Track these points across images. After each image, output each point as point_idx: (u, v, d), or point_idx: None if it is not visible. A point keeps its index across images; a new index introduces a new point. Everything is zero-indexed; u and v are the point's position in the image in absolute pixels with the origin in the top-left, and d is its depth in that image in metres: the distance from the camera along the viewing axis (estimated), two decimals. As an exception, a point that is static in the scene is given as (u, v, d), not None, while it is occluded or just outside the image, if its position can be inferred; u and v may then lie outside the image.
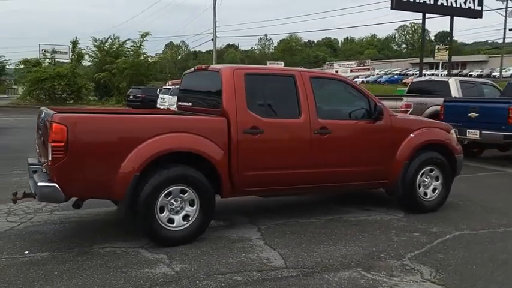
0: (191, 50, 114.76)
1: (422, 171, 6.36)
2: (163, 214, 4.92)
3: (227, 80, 5.35)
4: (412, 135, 6.30)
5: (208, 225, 5.19)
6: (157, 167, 4.90)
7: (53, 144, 4.50)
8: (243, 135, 5.26)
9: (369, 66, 67.38)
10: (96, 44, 43.00)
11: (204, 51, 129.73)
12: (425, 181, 6.43)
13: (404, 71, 79.09)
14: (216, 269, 4.39)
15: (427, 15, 22.49)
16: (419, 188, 6.38)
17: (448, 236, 5.44)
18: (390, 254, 4.85)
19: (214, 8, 40.92)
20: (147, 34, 39.79)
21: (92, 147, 4.63)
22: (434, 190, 6.51)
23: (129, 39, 42.21)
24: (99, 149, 4.67)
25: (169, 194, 4.93)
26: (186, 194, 5.01)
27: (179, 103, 6.56)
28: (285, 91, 5.67)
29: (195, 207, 5.05)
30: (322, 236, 5.37)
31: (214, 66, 5.84)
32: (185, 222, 5.02)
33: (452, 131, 6.88)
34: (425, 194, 6.44)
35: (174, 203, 4.97)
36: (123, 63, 39.20)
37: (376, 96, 6.33)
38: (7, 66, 41.47)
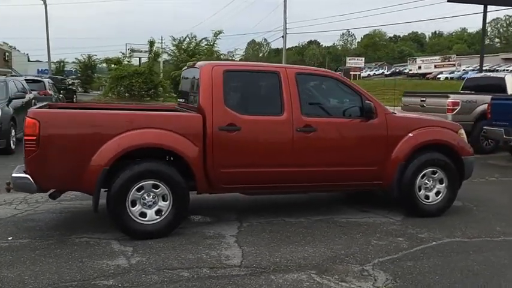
0: (272, 48, 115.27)
1: (422, 173, 5.99)
2: (135, 208, 5.04)
3: (205, 77, 5.38)
4: (410, 134, 5.95)
5: (181, 220, 5.25)
6: (131, 162, 5.04)
7: (25, 137, 4.78)
8: (218, 132, 5.25)
9: (454, 62, 64.17)
10: (174, 43, 44.56)
11: (286, 48, 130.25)
12: (427, 183, 6.05)
13: (495, 67, 74.17)
14: (169, 264, 4.44)
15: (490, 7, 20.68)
16: (420, 190, 6.02)
17: (433, 243, 5.10)
18: (356, 258, 4.64)
19: (285, 5, 40.75)
20: (220, 32, 40.54)
21: (62, 141, 4.86)
22: (437, 193, 6.11)
23: (205, 38, 43.30)
24: (70, 143, 4.88)
25: (141, 188, 5.04)
26: (159, 189, 5.10)
27: (178, 100, 6.68)
28: (267, 88, 5.60)
29: (167, 202, 5.13)
30: (298, 236, 5.25)
31: (200, 63, 5.87)
32: (157, 217, 5.12)
33: (462, 131, 6.41)
34: (427, 197, 6.07)
35: (147, 197, 5.08)
36: (197, 61, 40.29)
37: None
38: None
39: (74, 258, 4.53)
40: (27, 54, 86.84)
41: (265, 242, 5.05)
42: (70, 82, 35.84)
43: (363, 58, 79.88)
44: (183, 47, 44.64)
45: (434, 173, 6.06)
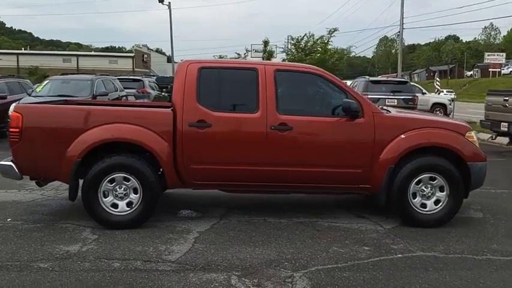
0: (407, 44, 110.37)
1: (417, 179, 5.45)
2: (107, 199, 5.32)
3: (179, 74, 5.49)
4: (402, 136, 5.45)
5: (151, 212, 5.41)
6: (105, 155, 5.33)
7: (10, 129, 5.31)
8: (188, 128, 5.32)
9: None
10: (292, 42, 45.05)
11: (422, 43, 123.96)
12: (424, 190, 5.49)
13: None
14: (112, 254, 4.61)
15: None
16: (415, 197, 5.49)
17: (397, 255, 4.65)
18: (297, 264, 4.41)
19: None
20: (334, 30, 40.10)
21: (41, 134, 5.30)
22: (437, 202, 5.51)
23: (323, 36, 43.12)
24: (48, 136, 5.30)
25: (112, 180, 5.31)
26: (130, 182, 5.32)
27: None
28: (244, 85, 5.52)
29: (138, 195, 5.34)
30: (261, 237, 5.12)
31: (185, 60, 5.96)
32: (128, 209, 5.34)
33: (472, 133, 5.68)
34: (424, 205, 5.51)
35: (118, 189, 5.33)
36: (311, 59, 40.29)
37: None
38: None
39: (40, 241, 4.93)
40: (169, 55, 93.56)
41: (222, 241, 5.01)
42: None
43: (504, 54, 72.93)
44: (300, 45, 45.01)
45: (433, 179, 5.48)
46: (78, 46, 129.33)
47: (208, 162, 5.39)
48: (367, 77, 18.05)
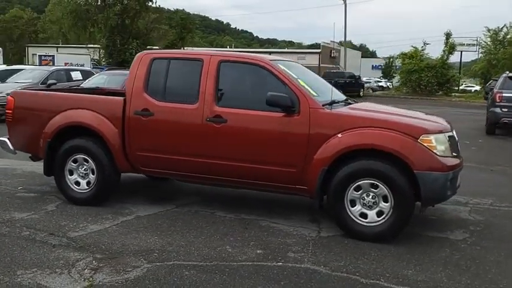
0: None
1: (356, 184, 4.77)
2: (72, 177, 5.89)
3: (134, 64, 5.73)
4: (339, 135, 4.81)
5: (107, 192, 5.82)
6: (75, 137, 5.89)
7: (6, 111, 6.22)
8: (134, 116, 5.55)
9: None
10: (488, 34, 40.86)
11: None
12: (365, 199, 4.78)
13: None
14: (36, 224, 5.06)
15: None
16: (354, 205, 4.82)
17: (273, 263, 4.19)
18: (160, 256, 4.30)
19: None
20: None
21: (27, 115, 6.09)
22: (379, 213, 4.75)
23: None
24: (31, 117, 6.05)
25: (75, 160, 5.85)
26: (89, 163, 5.80)
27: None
28: (189, 76, 5.49)
29: (94, 175, 5.79)
30: (181, 228, 5.06)
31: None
32: (87, 187, 5.83)
33: (431, 137, 4.68)
34: (364, 215, 4.80)
35: (80, 169, 5.85)
36: (503, 53, 35.99)
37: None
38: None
39: (12, 208, 5.68)
40: (375, 50, 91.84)
41: (142, 227, 5.06)
42: (356, 76, 37.23)
43: None
44: (498, 38, 40.54)
45: (374, 186, 4.74)
46: (291, 44, 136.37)
47: (151, 150, 5.54)
48: (507, 72, 15.50)
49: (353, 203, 4.82)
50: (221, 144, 5.25)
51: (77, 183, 5.87)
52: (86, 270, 4.00)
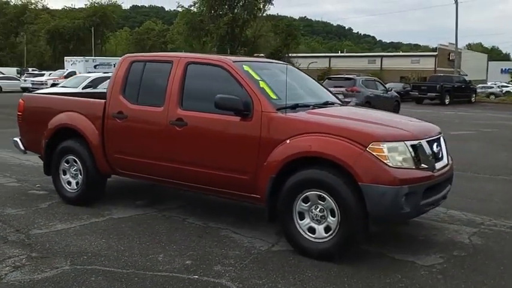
0: None
1: (304, 195, 4.34)
2: (65, 176, 6.13)
3: (117, 67, 5.81)
4: (287, 141, 4.41)
5: (93, 193, 5.98)
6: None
7: (17, 113, 6.67)
8: (111, 118, 5.63)
9: None
10: None
11: None
12: (313, 212, 4.33)
13: None
14: (25, 225, 5.21)
15: None
16: (303, 218, 4.38)
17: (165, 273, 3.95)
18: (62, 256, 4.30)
19: None
20: None
21: (33, 117, 6.46)
22: (327, 229, 4.27)
23: None
24: (36, 119, 6.41)
25: (68, 161, 6.08)
26: (77, 164, 6.00)
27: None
28: (160, 78, 5.40)
29: (82, 176, 5.97)
30: (137, 232, 5.00)
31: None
32: (76, 188, 6.03)
33: (382, 146, 4.06)
34: (312, 230, 4.35)
35: (71, 169, 6.07)
36: None
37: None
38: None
39: (11, 205, 6.08)
40: (509, 53, 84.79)
41: (99, 229, 5.07)
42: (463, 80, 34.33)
43: None
44: None
45: (322, 198, 4.27)
46: (416, 47, 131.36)
47: (126, 153, 5.56)
48: None
49: (302, 216, 4.39)
50: (182, 148, 5.12)
51: (69, 183, 6.09)
52: (7, 268, 4.09)
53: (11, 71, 52.53)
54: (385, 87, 20.73)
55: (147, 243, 4.73)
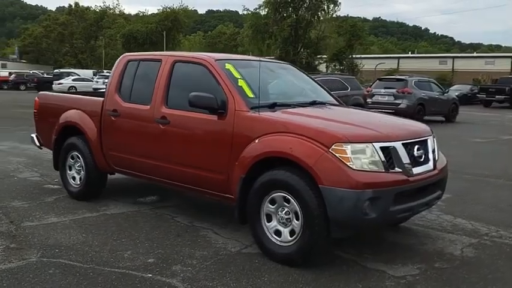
0: None
1: (270, 197, 4.19)
2: (70, 172, 6.33)
3: (115, 66, 5.91)
4: (256, 141, 4.27)
5: (94, 189, 6.13)
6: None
7: (34, 110, 6.97)
8: (106, 116, 5.74)
9: None
10: None
11: None
12: (279, 214, 4.16)
13: None
14: (20, 217, 5.40)
15: None
16: (270, 220, 4.23)
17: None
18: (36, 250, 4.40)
19: None
20: None
21: (46, 114, 6.73)
22: (292, 233, 4.09)
23: None
24: (48, 116, 6.67)
25: (72, 157, 6.28)
26: (80, 160, 6.18)
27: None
28: (149, 77, 5.42)
29: (83, 172, 6.14)
30: (122, 229, 5.04)
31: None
32: (79, 183, 6.21)
33: (346, 147, 3.80)
34: (278, 233, 4.18)
35: (75, 165, 6.26)
36: None
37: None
38: None
39: (21, 198, 6.38)
40: None
41: (86, 224, 5.16)
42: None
43: None
44: None
45: (287, 200, 4.10)
46: (497, 47, 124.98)
47: (119, 150, 5.64)
48: None
49: (269, 218, 4.24)
50: (164, 146, 5.12)
51: (73, 178, 6.28)
52: (-19, 257, 4.27)
53: (87, 72, 55.27)
54: (442, 89, 19.72)
55: (123, 239, 4.76)
